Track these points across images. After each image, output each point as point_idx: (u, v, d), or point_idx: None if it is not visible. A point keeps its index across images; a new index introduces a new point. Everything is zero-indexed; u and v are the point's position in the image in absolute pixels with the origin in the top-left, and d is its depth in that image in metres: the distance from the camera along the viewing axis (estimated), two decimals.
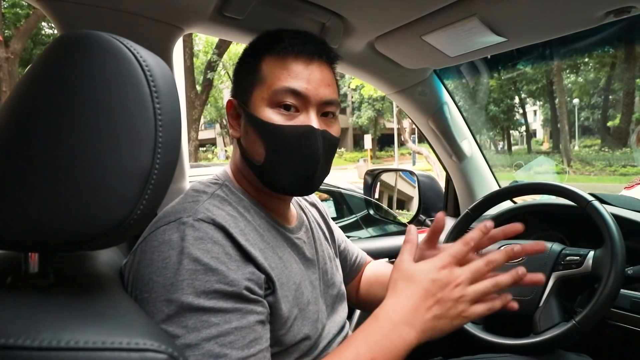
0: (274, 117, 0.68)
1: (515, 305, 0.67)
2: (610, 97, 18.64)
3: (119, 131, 0.40)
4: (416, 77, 1.33)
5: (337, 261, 0.93)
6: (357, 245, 1.10)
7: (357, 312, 1.34)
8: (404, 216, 1.98)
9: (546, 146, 22.50)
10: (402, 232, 1.73)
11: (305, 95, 0.68)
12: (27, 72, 0.44)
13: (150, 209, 0.41)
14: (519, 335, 0.92)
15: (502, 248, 0.70)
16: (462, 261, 0.65)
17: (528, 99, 22.39)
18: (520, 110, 22.24)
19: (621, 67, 16.51)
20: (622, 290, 0.93)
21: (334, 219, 2.30)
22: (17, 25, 9.01)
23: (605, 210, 0.92)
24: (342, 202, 2.45)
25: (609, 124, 18.54)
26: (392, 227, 2.06)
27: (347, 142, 32.56)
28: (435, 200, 1.75)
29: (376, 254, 1.32)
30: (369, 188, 2.03)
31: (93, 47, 0.41)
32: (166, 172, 0.42)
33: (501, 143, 22.59)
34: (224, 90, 20.11)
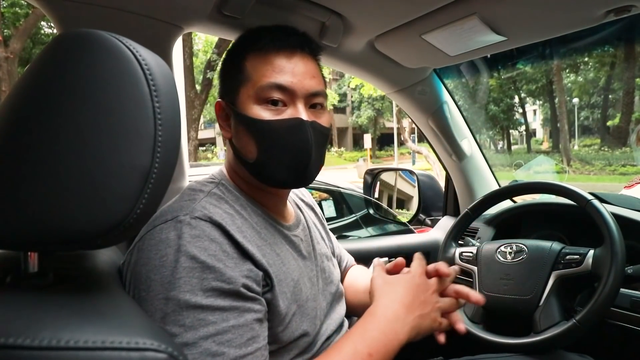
0: (262, 113, 0.68)
1: (462, 328, 0.74)
2: (610, 96, 18.64)
3: (118, 130, 0.40)
4: (416, 76, 1.33)
5: (335, 260, 0.94)
6: (357, 245, 1.10)
7: None
8: (404, 215, 1.98)
9: (546, 145, 22.50)
10: (402, 232, 1.73)
11: (291, 89, 0.69)
12: (27, 71, 0.44)
13: (150, 208, 0.41)
14: (519, 335, 0.92)
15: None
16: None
17: (528, 99, 22.38)
18: (520, 110, 22.24)
19: (621, 67, 16.51)
20: (622, 289, 0.93)
21: (333, 218, 2.32)
22: (16, 25, 9.00)
23: (605, 209, 0.92)
24: (341, 201, 2.45)
25: (609, 123, 18.54)
26: (391, 227, 2.06)
27: (346, 141, 32.56)
28: (435, 200, 1.75)
29: (376, 254, 1.32)
30: (368, 187, 2.03)
31: (92, 46, 0.41)
32: (166, 171, 0.42)
33: (501, 142, 22.60)
34: None
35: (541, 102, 23.38)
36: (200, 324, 0.55)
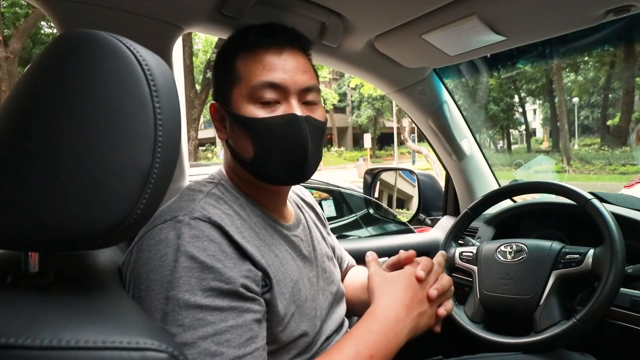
0: (256, 112, 0.68)
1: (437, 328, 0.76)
2: (610, 95, 18.62)
3: (118, 130, 0.40)
4: (416, 76, 1.33)
5: (335, 261, 0.94)
6: (357, 244, 1.10)
7: None
8: (404, 215, 1.98)
9: (546, 145, 22.48)
10: (402, 231, 1.73)
11: (283, 85, 0.69)
12: (27, 71, 0.44)
13: (150, 208, 0.41)
14: (520, 334, 0.92)
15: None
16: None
17: (528, 98, 22.36)
18: (520, 109, 22.23)
19: (621, 66, 16.51)
20: (622, 288, 0.93)
21: (333, 218, 2.32)
22: (16, 25, 8.99)
23: (605, 208, 0.92)
24: (341, 201, 2.45)
25: (609, 122, 18.53)
26: (391, 226, 2.06)
27: (346, 141, 32.55)
28: (435, 199, 1.75)
29: (376, 253, 1.32)
30: (368, 187, 2.03)
31: (92, 46, 0.41)
32: (166, 171, 0.42)
33: (501, 142, 22.59)
34: None
35: (541, 101, 23.37)
36: (199, 324, 0.55)
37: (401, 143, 19.69)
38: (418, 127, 1.52)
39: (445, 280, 0.77)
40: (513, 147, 23.40)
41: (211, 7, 0.87)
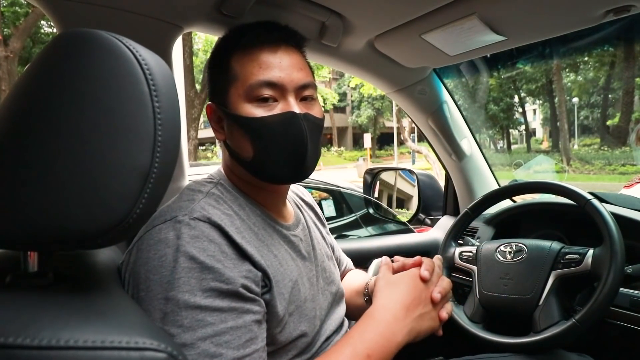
0: (254, 111, 0.68)
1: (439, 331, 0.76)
2: (610, 95, 18.63)
3: (118, 130, 0.40)
4: (416, 75, 1.33)
5: (334, 260, 0.93)
6: (357, 244, 1.10)
7: None
8: (404, 215, 1.98)
9: (545, 145, 22.48)
10: (402, 231, 1.73)
11: (280, 83, 0.69)
12: (26, 70, 0.44)
13: (150, 207, 0.41)
14: (519, 334, 0.92)
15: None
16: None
17: (527, 98, 22.37)
18: (520, 109, 22.23)
19: (620, 66, 16.50)
20: (621, 289, 0.93)
21: (333, 218, 2.32)
22: (16, 24, 8.98)
23: (605, 208, 0.92)
24: (341, 201, 2.45)
25: (609, 122, 18.54)
26: (391, 226, 2.06)
27: (346, 140, 32.55)
28: (434, 199, 1.75)
29: (376, 253, 1.32)
30: (368, 187, 2.03)
31: (92, 46, 0.41)
32: (165, 171, 0.42)
33: (501, 142, 22.59)
34: None
35: (541, 101, 23.38)
36: (198, 324, 0.55)
37: (401, 143, 19.70)
38: (418, 127, 1.52)
39: (446, 282, 0.77)
40: (513, 147, 23.42)
41: (211, 6, 0.87)
